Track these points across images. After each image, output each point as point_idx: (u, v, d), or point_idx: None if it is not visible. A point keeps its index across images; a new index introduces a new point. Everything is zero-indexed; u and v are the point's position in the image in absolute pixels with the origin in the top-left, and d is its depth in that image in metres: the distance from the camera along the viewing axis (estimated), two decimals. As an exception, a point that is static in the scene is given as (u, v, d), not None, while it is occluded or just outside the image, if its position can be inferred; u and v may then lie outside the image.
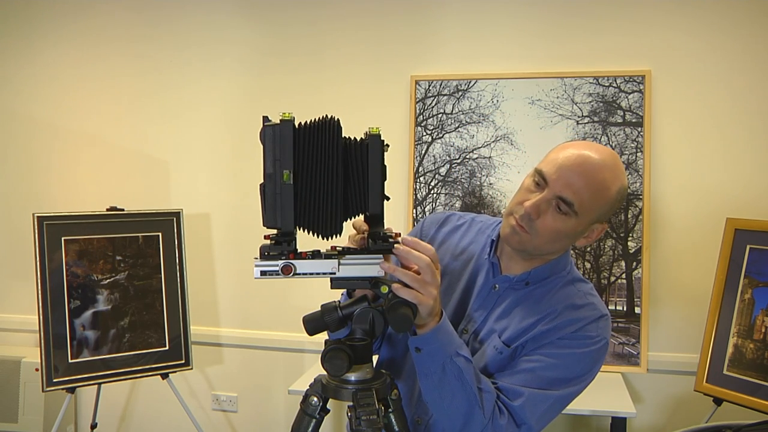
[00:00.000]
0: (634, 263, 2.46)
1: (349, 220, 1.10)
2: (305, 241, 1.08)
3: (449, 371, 1.13)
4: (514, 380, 1.20)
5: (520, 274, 1.28)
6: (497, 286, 1.30)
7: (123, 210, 2.58)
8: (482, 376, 1.18)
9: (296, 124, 1.04)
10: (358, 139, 1.08)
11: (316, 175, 1.05)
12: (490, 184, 2.58)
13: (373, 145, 1.07)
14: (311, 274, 1.06)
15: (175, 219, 2.63)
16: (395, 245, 1.08)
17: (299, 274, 1.05)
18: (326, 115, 1.06)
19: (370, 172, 1.07)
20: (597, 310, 1.26)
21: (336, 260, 1.07)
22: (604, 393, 2.26)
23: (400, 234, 1.11)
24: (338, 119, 1.06)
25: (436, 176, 2.62)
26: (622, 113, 2.48)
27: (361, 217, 1.12)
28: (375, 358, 1.29)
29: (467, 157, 2.59)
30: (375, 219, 1.11)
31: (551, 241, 1.22)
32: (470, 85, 2.59)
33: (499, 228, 1.29)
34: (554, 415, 1.23)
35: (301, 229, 1.07)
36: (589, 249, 2.50)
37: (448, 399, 1.15)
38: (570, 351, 1.22)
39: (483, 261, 1.33)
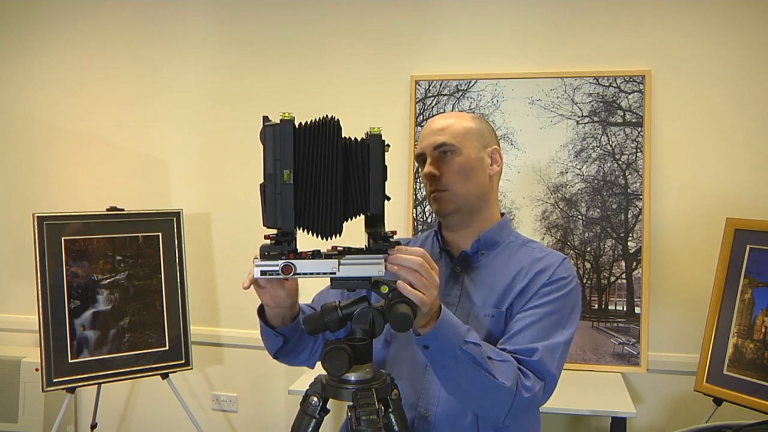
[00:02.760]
0: (634, 263, 2.46)
1: (349, 220, 1.10)
2: (305, 241, 1.08)
3: (462, 360, 1.15)
4: (522, 340, 1.26)
5: (472, 244, 1.39)
6: (459, 267, 1.40)
7: (123, 210, 2.58)
8: (497, 350, 1.23)
9: (296, 124, 1.04)
10: (359, 139, 1.09)
11: (317, 175, 1.05)
12: (490, 184, 2.58)
13: (374, 145, 1.07)
14: (311, 274, 1.06)
15: (175, 219, 2.63)
16: (388, 253, 1.09)
17: (299, 273, 1.06)
18: (326, 116, 1.06)
19: (371, 172, 1.07)
20: (557, 256, 1.39)
21: (336, 260, 1.07)
22: (604, 393, 2.27)
23: (396, 232, 1.12)
24: (338, 119, 1.06)
25: (436, 176, 2.62)
26: (622, 113, 2.48)
27: None
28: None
29: (467, 157, 2.59)
30: (376, 219, 1.11)
31: (464, 181, 1.36)
32: (470, 85, 2.59)
33: (436, 225, 1.47)
34: (564, 359, 1.31)
35: (301, 229, 1.07)
36: (589, 249, 2.50)
37: (468, 385, 1.18)
38: (555, 296, 1.32)
39: (435, 254, 1.44)
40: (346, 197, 1.08)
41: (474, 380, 1.17)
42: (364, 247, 1.12)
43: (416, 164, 1.40)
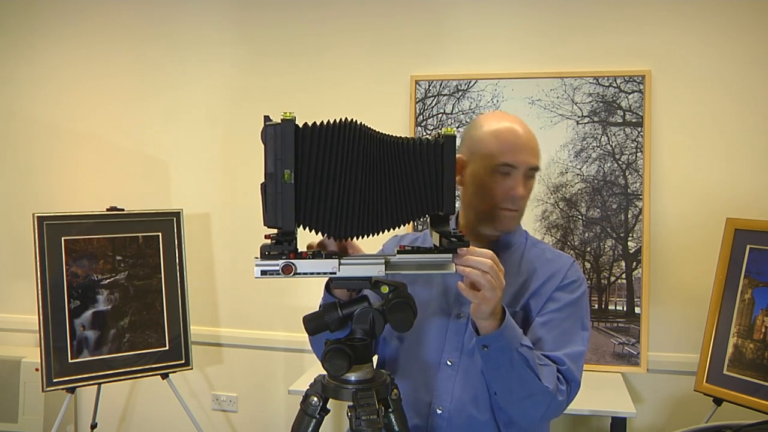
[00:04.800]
0: (634, 263, 2.46)
1: (418, 220, 1.10)
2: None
3: (517, 362, 1.19)
4: (548, 346, 1.29)
5: (489, 246, 1.33)
6: None
7: (123, 210, 2.58)
8: (538, 353, 1.26)
9: (309, 124, 1.03)
10: (428, 139, 1.09)
11: (329, 176, 1.04)
12: (490, 184, 2.58)
13: (448, 145, 1.07)
14: (312, 273, 1.06)
15: (175, 219, 2.63)
16: (457, 253, 1.11)
17: (300, 273, 1.05)
18: (346, 118, 1.05)
19: (445, 172, 1.07)
20: (567, 258, 1.42)
21: (336, 260, 1.07)
22: (604, 393, 2.27)
23: (464, 232, 1.13)
24: (361, 122, 1.06)
25: (436, 176, 2.62)
26: (622, 113, 2.48)
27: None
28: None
29: (467, 157, 2.59)
30: (444, 219, 1.12)
31: (527, 201, 1.39)
32: (470, 85, 2.59)
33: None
34: (583, 361, 1.35)
35: (306, 228, 1.06)
36: (589, 249, 2.50)
37: (517, 386, 1.22)
38: (569, 298, 1.35)
39: None
40: (414, 198, 1.08)
41: (524, 382, 1.21)
42: (433, 245, 1.12)
43: (499, 170, 1.34)
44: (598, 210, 2.50)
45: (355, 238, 1.08)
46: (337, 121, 1.04)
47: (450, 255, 1.09)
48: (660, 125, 2.47)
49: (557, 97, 2.52)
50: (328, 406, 1.17)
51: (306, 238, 1.10)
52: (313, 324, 1.14)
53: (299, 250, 1.06)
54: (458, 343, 1.36)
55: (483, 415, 1.32)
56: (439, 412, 1.34)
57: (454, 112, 2.60)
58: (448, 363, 1.35)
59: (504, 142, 1.33)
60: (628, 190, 2.47)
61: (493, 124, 1.35)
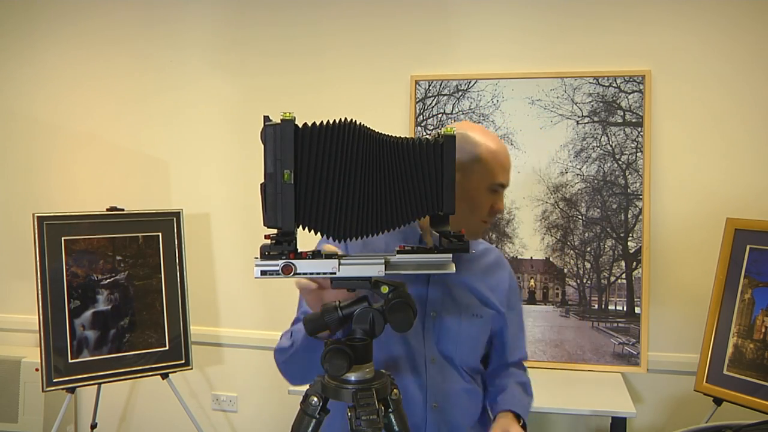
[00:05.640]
0: (634, 263, 2.46)
1: (416, 221, 1.10)
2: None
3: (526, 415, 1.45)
4: (517, 345, 1.55)
5: None
6: None
7: (123, 210, 2.58)
8: (523, 379, 1.52)
9: (309, 124, 1.03)
10: (428, 139, 1.09)
11: (327, 176, 1.04)
12: (490, 184, 2.58)
13: (448, 145, 1.07)
14: (312, 273, 1.06)
15: (175, 219, 2.63)
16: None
17: (299, 273, 1.05)
18: (346, 118, 1.05)
19: (445, 172, 1.07)
20: (500, 252, 1.59)
21: (336, 260, 1.07)
22: (604, 393, 2.27)
23: (464, 231, 1.13)
24: (360, 123, 1.06)
25: (436, 176, 2.62)
26: (622, 113, 2.48)
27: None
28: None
29: (467, 157, 2.59)
30: (444, 219, 1.12)
31: None
32: (470, 85, 2.58)
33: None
34: None
35: (305, 228, 1.06)
36: (589, 249, 2.50)
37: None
38: (517, 293, 1.60)
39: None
40: (414, 198, 1.08)
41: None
42: (433, 246, 1.11)
43: (492, 188, 1.41)
44: (598, 210, 2.50)
45: (354, 239, 1.08)
46: (337, 121, 1.04)
47: (449, 255, 1.09)
48: (660, 125, 2.47)
49: (557, 97, 2.52)
50: (328, 406, 1.17)
51: (306, 238, 1.10)
52: (313, 324, 1.14)
53: (299, 250, 1.06)
54: (434, 341, 1.42)
55: (476, 406, 1.42)
56: (434, 407, 1.40)
57: (454, 112, 2.60)
58: (432, 361, 1.41)
59: (501, 164, 1.39)
60: (628, 190, 2.47)
61: (489, 144, 1.39)
